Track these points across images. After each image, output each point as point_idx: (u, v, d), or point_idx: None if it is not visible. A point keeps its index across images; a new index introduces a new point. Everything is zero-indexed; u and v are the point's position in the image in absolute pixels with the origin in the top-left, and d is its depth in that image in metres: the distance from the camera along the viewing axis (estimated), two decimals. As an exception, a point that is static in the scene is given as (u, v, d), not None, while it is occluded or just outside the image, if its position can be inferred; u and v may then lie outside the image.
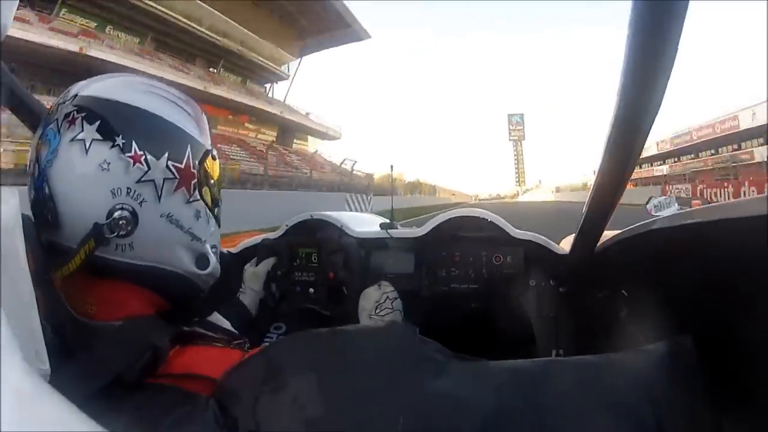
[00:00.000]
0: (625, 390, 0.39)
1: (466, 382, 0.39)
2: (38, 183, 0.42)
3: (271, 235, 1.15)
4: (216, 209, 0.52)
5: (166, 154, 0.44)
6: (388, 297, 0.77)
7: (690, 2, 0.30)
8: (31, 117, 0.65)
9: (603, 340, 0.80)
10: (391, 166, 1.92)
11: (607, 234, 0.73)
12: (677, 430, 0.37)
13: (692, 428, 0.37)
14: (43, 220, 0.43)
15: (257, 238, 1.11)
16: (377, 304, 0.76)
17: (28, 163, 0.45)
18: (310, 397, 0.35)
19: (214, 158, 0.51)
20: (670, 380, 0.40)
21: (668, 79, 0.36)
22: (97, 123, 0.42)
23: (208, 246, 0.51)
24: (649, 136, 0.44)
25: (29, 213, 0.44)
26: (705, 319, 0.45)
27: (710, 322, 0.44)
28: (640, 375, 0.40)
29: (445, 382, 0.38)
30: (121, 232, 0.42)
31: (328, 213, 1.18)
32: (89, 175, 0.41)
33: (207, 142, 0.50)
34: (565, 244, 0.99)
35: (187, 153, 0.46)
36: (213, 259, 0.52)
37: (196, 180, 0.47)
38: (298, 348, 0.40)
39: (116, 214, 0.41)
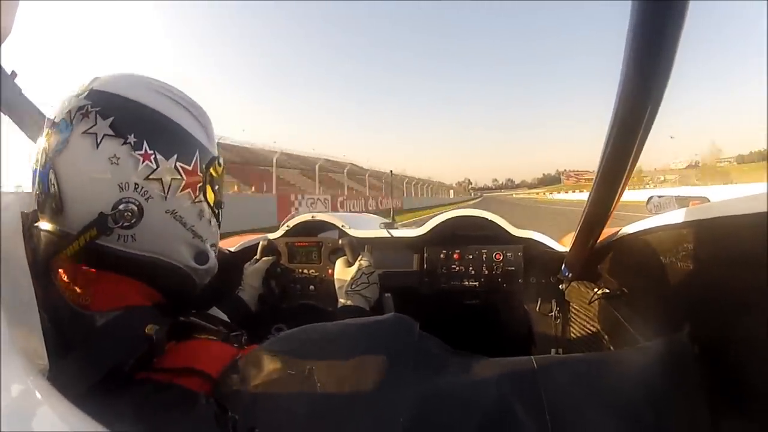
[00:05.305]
0: (623, 387, 0.39)
1: (466, 378, 0.39)
2: (44, 171, 0.43)
3: (272, 235, 1.16)
4: (219, 211, 0.54)
5: (175, 156, 0.46)
6: (363, 273, 0.78)
7: (690, 2, 0.30)
8: (30, 123, 0.65)
9: (602, 337, 0.80)
10: (391, 171, 1.94)
11: (607, 231, 0.73)
12: (675, 426, 0.37)
13: (689, 424, 0.37)
14: (46, 208, 0.43)
15: (258, 238, 1.11)
16: (353, 279, 0.77)
17: (34, 154, 0.45)
18: (310, 393, 0.35)
19: (219, 164, 0.53)
20: (667, 377, 0.40)
21: (668, 78, 0.36)
22: (111, 119, 0.43)
23: (208, 244, 0.53)
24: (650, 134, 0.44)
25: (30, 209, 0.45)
26: (703, 317, 0.46)
27: (709, 320, 0.45)
28: (638, 372, 0.41)
29: (445, 378, 0.38)
30: (124, 224, 0.43)
31: (329, 213, 1.19)
32: (98, 168, 0.42)
33: (214, 149, 0.52)
34: (566, 242, 0.99)
35: (195, 157, 0.48)
36: (212, 256, 0.53)
37: (201, 183, 0.49)
38: (297, 344, 0.41)
39: (122, 207, 0.42)
